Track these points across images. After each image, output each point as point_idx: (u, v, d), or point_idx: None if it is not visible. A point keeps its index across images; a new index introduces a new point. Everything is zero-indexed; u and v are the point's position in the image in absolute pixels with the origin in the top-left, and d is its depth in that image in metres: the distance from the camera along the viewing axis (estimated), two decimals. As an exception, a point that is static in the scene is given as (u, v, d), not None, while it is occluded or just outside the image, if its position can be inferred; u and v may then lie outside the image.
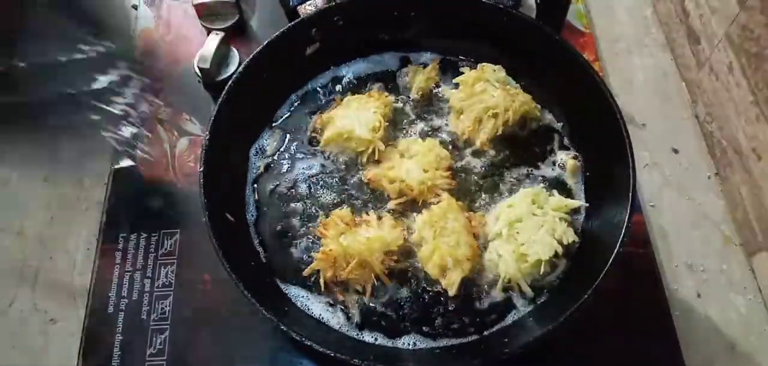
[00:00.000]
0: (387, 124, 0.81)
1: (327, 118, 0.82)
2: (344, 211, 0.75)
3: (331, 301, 0.71)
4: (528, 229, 0.71)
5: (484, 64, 0.85)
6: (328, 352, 0.61)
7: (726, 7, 0.82)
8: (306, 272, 0.72)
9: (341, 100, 0.84)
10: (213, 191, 0.70)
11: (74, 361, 0.74)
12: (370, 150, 0.80)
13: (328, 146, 0.81)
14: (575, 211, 0.76)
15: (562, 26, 0.94)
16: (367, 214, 0.75)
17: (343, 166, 0.81)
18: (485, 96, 0.81)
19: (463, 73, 0.84)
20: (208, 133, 0.73)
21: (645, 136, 0.90)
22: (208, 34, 0.93)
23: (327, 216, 0.75)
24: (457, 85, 0.84)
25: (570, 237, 0.71)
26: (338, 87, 0.87)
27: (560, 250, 0.70)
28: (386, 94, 0.85)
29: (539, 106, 0.83)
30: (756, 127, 0.77)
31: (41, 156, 0.90)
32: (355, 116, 0.80)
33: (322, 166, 0.80)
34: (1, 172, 0.88)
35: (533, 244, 0.70)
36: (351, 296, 0.71)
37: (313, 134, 0.83)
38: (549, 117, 0.84)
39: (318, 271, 0.71)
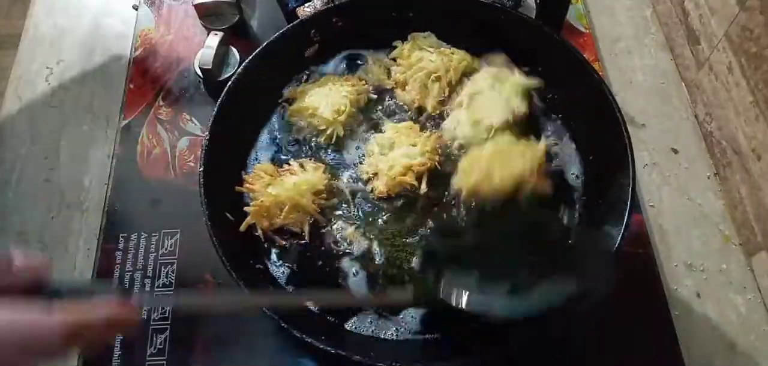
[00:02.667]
0: (354, 110, 0.83)
1: (300, 91, 0.84)
2: (266, 164, 0.78)
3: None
4: (486, 100, 0.78)
5: (413, 33, 0.87)
6: (330, 349, 0.61)
7: (726, 7, 0.82)
8: (242, 228, 0.74)
9: (319, 78, 0.86)
10: (213, 191, 0.70)
11: (74, 361, 0.74)
12: (328, 131, 0.81)
13: (293, 118, 0.83)
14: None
15: (562, 26, 0.94)
16: (289, 163, 0.79)
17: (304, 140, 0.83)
18: (423, 63, 0.84)
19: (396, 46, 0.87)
20: (208, 133, 0.73)
21: (645, 136, 0.90)
22: (208, 34, 0.93)
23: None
24: (394, 60, 0.87)
25: (523, 109, 0.78)
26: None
27: (511, 119, 0.77)
28: (364, 81, 0.86)
29: (477, 60, 0.86)
30: (755, 127, 0.77)
31: (41, 156, 0.90)
32: (325, 95, 0.82)
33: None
34: (1, 172, 0.88)
35: (488, 111, 0.77)
36: (291, 241, 0.75)
37: (285, 102, 0.85)
38: (548, 117, 0.84)
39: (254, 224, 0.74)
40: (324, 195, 0.77)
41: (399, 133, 0.80)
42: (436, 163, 0.78)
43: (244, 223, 0.74)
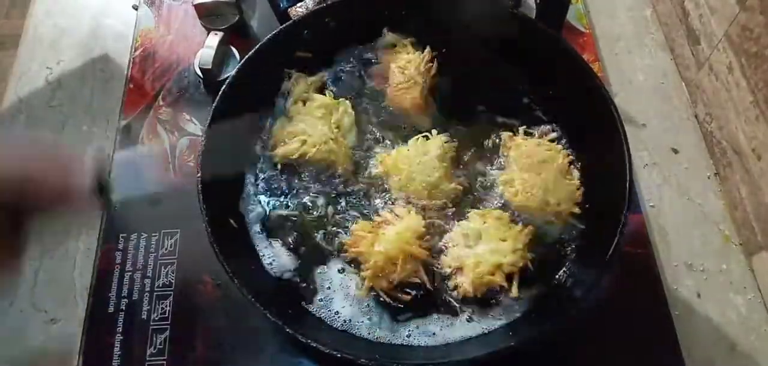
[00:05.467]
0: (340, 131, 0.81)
1: (279, 134, 0.81)
2: (362, 222, 0.75)
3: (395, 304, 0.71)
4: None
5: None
6: (334, 352, 0.60)
7: (726, 7, 0.82)
8: (362, 294, 0.71)
9: (288, 111, 0.83)
10: (212, 196, 0.70)
11: (74, 361, 0.74)
12: (340, 171, 0.79)
13: (285, 161, 0.80)
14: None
15: (562, 26, 0.94)
16: (378, 214, 0.75)
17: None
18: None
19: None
20: (204, 137, 0.73)
21: (645, 136, 0.90)
22: (208, 34, 0.93)
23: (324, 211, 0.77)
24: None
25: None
26: (334, 88, 0.87)
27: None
28: (330, 94, 0.84)
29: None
30: (756, 127, 0.77)
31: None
32: (307, 123, 0.80)
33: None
34: (1, 172, 0.88)
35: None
36: (406, 296, 0.71)
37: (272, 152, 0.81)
38: (548, 117, 0.84)
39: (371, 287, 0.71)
40: (427, 236, 0.73)
41: (487, 225, 0.73)
42: (529, 262, 0.71)
43: (363, 289, 0.71)
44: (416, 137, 0.79)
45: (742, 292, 0.78)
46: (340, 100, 0.83)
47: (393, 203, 0.77)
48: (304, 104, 0.83)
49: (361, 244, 0.72)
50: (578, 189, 0.75)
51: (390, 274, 0.70)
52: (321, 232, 0.76)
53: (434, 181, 0.76)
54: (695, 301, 0.77)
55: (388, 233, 0.71)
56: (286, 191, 0.79)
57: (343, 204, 0.78)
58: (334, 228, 0.77)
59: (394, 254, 0.70)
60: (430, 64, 0.85)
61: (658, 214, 0.84)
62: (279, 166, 0.80)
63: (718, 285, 0.78)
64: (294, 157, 0.79)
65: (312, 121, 0.80)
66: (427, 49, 0.86)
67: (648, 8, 1.03)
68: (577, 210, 0.74)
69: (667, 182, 0.86)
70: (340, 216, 0.77)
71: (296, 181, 0.80)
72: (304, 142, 0.79)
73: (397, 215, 0.74)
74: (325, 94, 0.84)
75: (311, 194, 0.79)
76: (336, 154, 0.79)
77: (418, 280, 0.71)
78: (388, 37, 0.87)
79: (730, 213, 0.83)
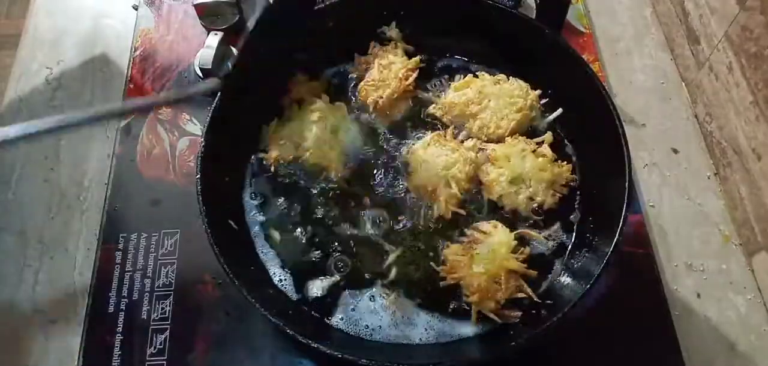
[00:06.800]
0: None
1: (274, 137, 0.80)
2: (454, 247, 0.73)
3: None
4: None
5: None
6: (336, 354, 0.60)
7: (726, 7, 0.82)
8: (473, 323, 0.69)
9: (284, 113, 0.83)
10: (211, 197, 0.69)
11: (74, 361, 0.74)
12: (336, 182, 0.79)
13: (279, 163, 0.80)
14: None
15: (562, 26, 0.94)
16: (465, 234, 0.74)
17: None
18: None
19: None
20: (203, 140, 0.73)
21: (645, 136, 0.90)
22: (208, 34, 0.93)
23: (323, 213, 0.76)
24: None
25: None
26: (332, 90, 0.86)
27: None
28: (326, 97, 0.84)
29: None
30: (755, 127, 0.77)
31: (41, 156, 0.90)
32: (303, 126, 0.80)
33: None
34: (1, 171, 0.88)
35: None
36: (516, 314, 0.68)
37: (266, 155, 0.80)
38: (547, 117, 0.84)
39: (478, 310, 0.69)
40: (521, 249, 0.72)
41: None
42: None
43: (473, 317, 0.69)
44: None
45: (742, 292, 0.78)
46: (337, 104, 0.83)
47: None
48: (301, 107, 0.83)
49: (459, 269, 0.70)
50: (567, 177, 0.77)
51: (495, 293, 0.68)
52: (315, 232, 0.76)
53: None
54: (695, 301, 0.77)
55: (483, 252, 0.69)
56: (284, 194, 0.79)
57: (337, 206, 0.78)
58: (326, 230, 0.76)
59: (495, 273, 0.68)
60: (411, 73, 0.84)
61: (658, 214, 0.84)
62: (273, 169, 0.80)
63: (718, 285, 0.78)
64: (288, 159, 0.79)
65: (307, 125, 0.80)
66: (416, 58, 0.85)
67: (648, 8, 1.03)
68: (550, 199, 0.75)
69: (667, 182, 0.86)
70: (333, 217, 0.77)
71: (292, 183, 0.80)
72: (298, 145, 0.79)
73: (483, 232, 0.72)
74: (321, 97, 0.84)
75: (306, 197, 0.79)
76: (329, 159, 0.78)
77: (524, 296, 0.69)
78: (392, 31, 0.87)
79: (730, 213, 0.83)
